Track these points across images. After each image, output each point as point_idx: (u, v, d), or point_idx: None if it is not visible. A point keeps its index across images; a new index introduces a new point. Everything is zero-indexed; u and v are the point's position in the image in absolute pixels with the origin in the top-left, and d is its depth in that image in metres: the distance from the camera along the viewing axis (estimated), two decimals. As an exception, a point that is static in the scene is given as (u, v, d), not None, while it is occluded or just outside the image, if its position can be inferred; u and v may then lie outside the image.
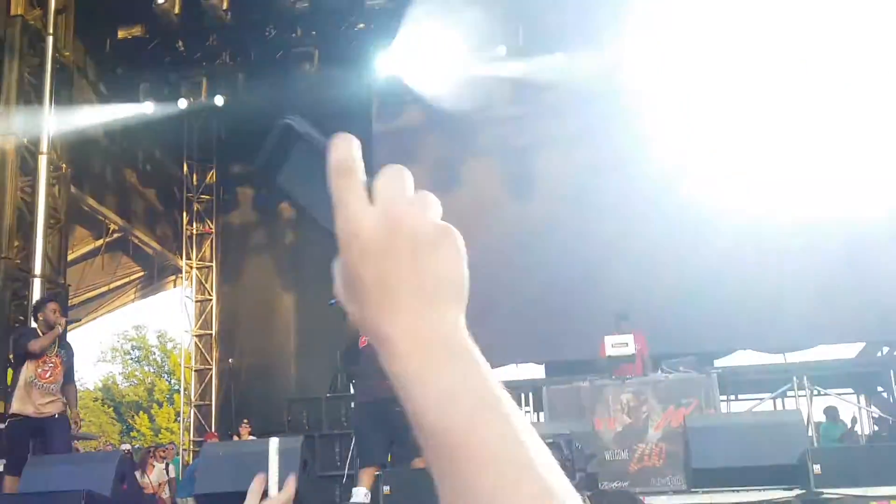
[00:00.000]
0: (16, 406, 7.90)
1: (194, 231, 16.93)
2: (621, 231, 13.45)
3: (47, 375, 7.97)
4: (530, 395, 11.77)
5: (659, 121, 13.60)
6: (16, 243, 11.56)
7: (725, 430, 6.52)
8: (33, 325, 8.53)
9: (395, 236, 0.64)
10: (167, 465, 14.19)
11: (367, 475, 6.50)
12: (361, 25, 13.66)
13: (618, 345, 10.23)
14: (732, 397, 13.49)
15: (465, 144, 14.84)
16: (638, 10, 13.25)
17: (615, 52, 13.47)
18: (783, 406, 12.81)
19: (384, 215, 0.64)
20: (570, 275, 13.79)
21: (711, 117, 13.47)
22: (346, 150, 0.65)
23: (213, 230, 16.92)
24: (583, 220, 13.99)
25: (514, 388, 11.84)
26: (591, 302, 12.87)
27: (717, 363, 13.50)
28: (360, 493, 6.40)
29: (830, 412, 12.72)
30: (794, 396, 12.59)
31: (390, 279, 0.64)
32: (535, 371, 14.40)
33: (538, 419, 11.02)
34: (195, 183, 16.94)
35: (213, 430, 15.75)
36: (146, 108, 14.13)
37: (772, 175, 13.26)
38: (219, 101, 14.24)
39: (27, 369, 7.91)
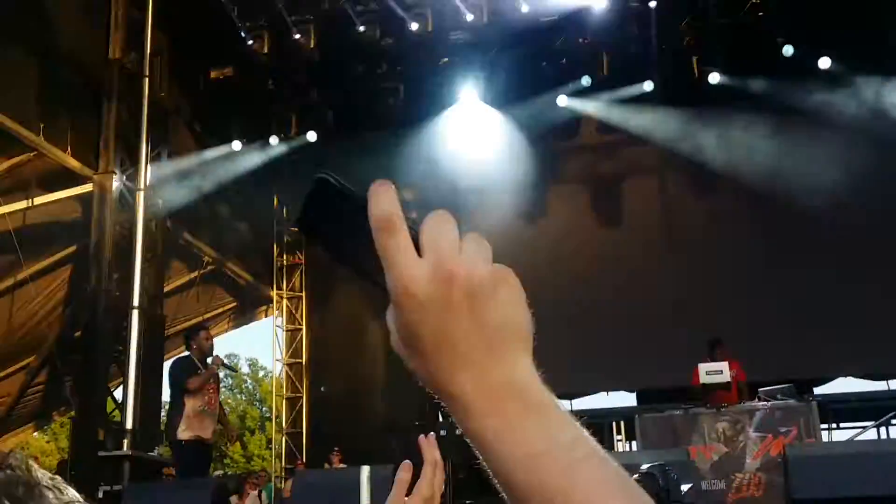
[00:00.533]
0: (189, 434, 8.15)
1: (285, 262, 17.21)
2: (713, 255, 13.23)
3: (213, 403, 8.38)
4: (622, 423, 11.57)
5: (750, 143, 13.36)
6: (115, 275, 11.94)
7: (827, 460, 6.31)
8: (185, 353, 8.83)
9: (450, 289, 0.61)
10: (260, 492, 14.38)
11: None
12: (445, 60, 13.78)
13: (712, 372, 10.02)
14: (833, 426, 13.05)
15: (552, 172, 14.79)
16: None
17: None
18: (887, 435, 12.34)
19: (436, 268, 0.62)
20: (663, 301, 13.60)
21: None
22: (386, 203, 0.62)
23: (304, 261, 17.18)
24: (673, 246, 13.82)
25: (606, 417, 11.68)
26: (685, 328, 12.66)
27: (817, 391, 13.11)
28: None
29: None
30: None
31: (452, 334, 0.62)
32: (626, 399, 14.19)
33: (630, 448, 10.84)
34: (286, 215, 17.24)
35: (303, 458, 15.91)
36: (237, 147, 14.51)
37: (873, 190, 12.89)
38: (311, 136, 14.52)
39: (195, 399, 8.20)
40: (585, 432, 0.62)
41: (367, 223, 0.62)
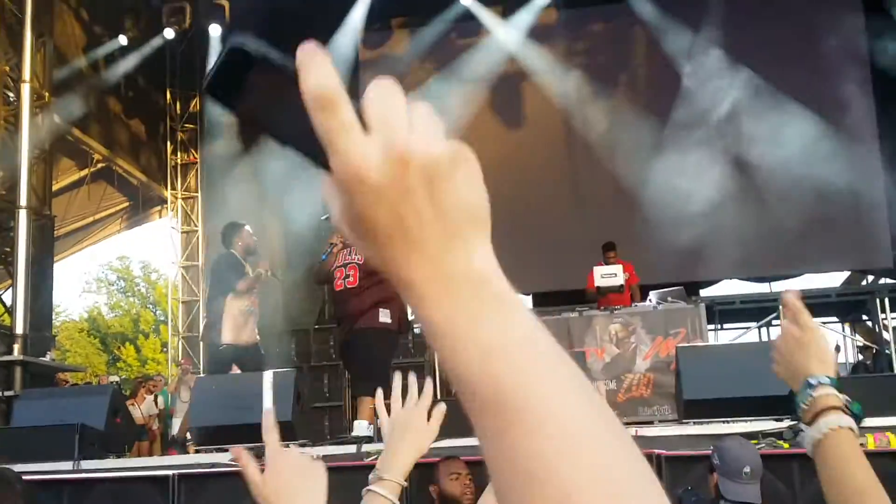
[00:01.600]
0: (231, 336, 7.89)
1: (179, 161, 16.74)
2: (609, 162, 13.40)
3: (257, 303, 8.22)
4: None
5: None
6: (0, 174, 11.41)
7: (717, 361, 6.56)
8: (227, 250, 8.28)
9: (405, 171, 0.56)
10: (156, 396, 14.25)
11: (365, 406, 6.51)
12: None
13: (607, 275, 10.30)
14: (719, 327, 13.63)
15: (453, 71, 14.63)
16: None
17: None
18: (769, 335, 12.94)
19: (387, 149, 0.56)
20: (559, 206, 13.80)
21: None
22: (322, 74, 0.55)
23: (198, 159, 16.74)
24: (571, 152, 13.96)
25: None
26: (580, 233, 12.90)
27: (704, 293, 13.62)
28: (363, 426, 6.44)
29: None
30: (780, 325, 12.69)
31: (406, 220, 0.56)
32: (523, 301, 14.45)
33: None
34: (178, 112, 16.70)
35: (200, 362, 15.80)
36: (125, 40, 13.89)
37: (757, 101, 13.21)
38: (214, 31, 13.96)
39: (241, 301, 7.92)
40: (544, 329, 0.58)
41: (298, 96, 0.54)
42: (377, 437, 6.10)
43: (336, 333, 6.98)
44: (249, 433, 6.01)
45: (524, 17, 14.14)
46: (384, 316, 6.49)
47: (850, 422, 1.35)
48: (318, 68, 0.55)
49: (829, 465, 1.33)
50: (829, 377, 1.40)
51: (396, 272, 0.58)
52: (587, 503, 0.52)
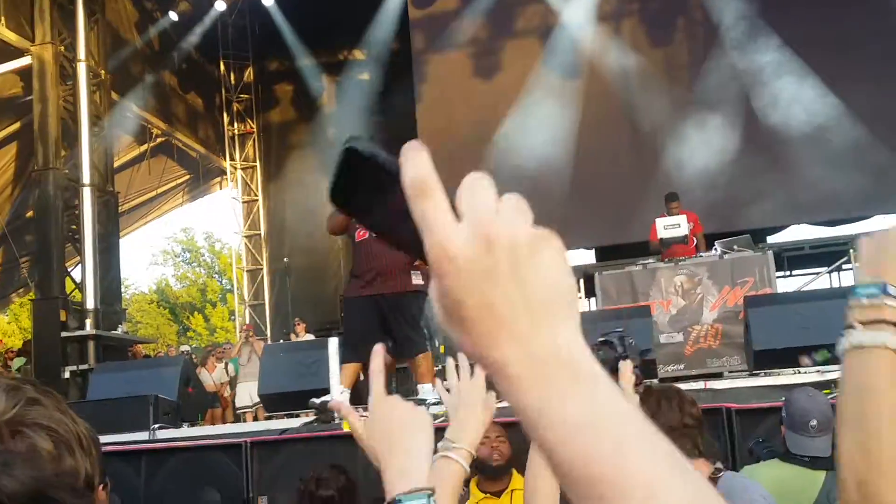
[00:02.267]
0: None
1: (236, 131, 16.88)
2: (669, 112, 13.18)
3: None
4: (582, 281, 11.74)
5: None
6: (63, 153, 11.61)
7: (787, 310, 6.42)
8: None
9: (491, 252, 0.58)
10: (226, 364, 14.51)
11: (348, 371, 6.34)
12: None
13: (670, 226, 10.12)
14: (788, 273, 13.35)
15: (505, 27, 14.45)
16: None
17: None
18: (840, 280, 12.65)
19: (474, 230, 0.58)
20: (620, 158, 13.61)
21: None
22: (420, 165, 0.59)
23: (255, 129, 16.86)
24: (632, 102, 13.71)
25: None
26: (642, 185, 12.71)
27: (771, 239, 13.35)
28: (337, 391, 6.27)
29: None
30: (852, 270, 12.42)
31: (493, 301, 0.58)
32: (586, 257, 14.35)
33: (590, 305, 11.02)
34: (233, 82, 16.80)
35: (267, 329, 16.03)
36: (175, 16, 13.98)
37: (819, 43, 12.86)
38: (267, 1, 13.96)
39: None
40: (635, 408, 0.59)
41: (401, 191, 0.59)
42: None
43: (353, 286, 6.50)
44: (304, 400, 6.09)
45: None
46: (416, 278, 6.34)
47: None
48: (417, 160, 0.59)
49: (860, 378, 1.24)
50: None
51: (486, 356, 0.59)
52: None
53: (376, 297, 6.32)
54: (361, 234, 6.40)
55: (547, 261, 0.59)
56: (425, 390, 6.23)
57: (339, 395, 6.18)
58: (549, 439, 0.57)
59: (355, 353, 6.28)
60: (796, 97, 12.75)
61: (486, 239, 0.58)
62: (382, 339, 6.29)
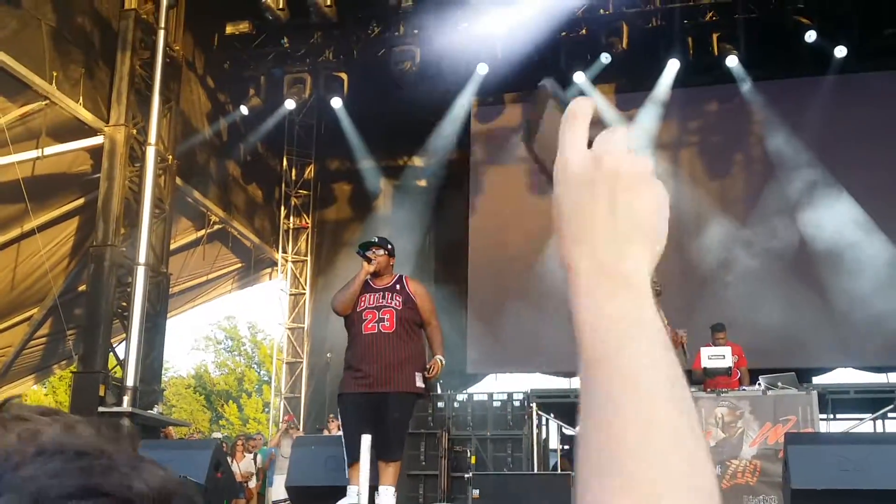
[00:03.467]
0: None
1: (291, 225, 17.19)
2: (722, 243, 13.20)
3: None
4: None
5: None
6: (122, 231, 11.90)
7: (829, 451, 6.28)
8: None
9: (598, 171, 0.66)
10: (255, 455, 14.43)
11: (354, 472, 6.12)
12: (465, 24, 13.59)
13: (714, 357, 10.02)
14: (831, 416, 13.05)
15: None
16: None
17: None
18: (883, 428, 12.33)
19: (595, 154, 0.67)
20: (669, 284, 13.56)
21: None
22: (584, 103, 0.70)
23: (310, 225, 17.15)
24: (685, 232, 13.76)
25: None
26: (688, 313, 12.64)
27: (816, 380, 13.10)
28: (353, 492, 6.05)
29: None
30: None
31: (585, 212, 0.66)
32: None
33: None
34: (294, 178, 17.20)
35: (301, 424, 15.96)
36: (247, 109, 14.43)
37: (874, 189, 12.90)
38: (336, 103, 14.39)
39: None
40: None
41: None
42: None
43: (352, 383, 6.24)
44: (331, 495, 6.02)
45: (639, 97, 14.17)
46: (419, 380, 6.22)
47: None
48: (586, 100, 0.70)
49: None
50: None
51: (564, 255, 0.67)
52: (642, 475, 0.57)
53: (376, 395, 6.16)
54: (371, 326, 6.25)
55: (644, 196, 0.67)
56: (385, 493, 6.07)
57: (356, 496, 6.05)
58: (579, 330, 0.63)
59: (357, 452, 6.06)
60: (851, 242, 12.72)
61: (598, 159, 0.67)
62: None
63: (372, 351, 6.22)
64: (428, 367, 6.29)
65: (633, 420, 0.58)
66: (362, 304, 6.39)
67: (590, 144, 0.68)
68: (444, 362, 6.38)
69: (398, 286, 6.44)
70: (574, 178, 0.67)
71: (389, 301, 6.34)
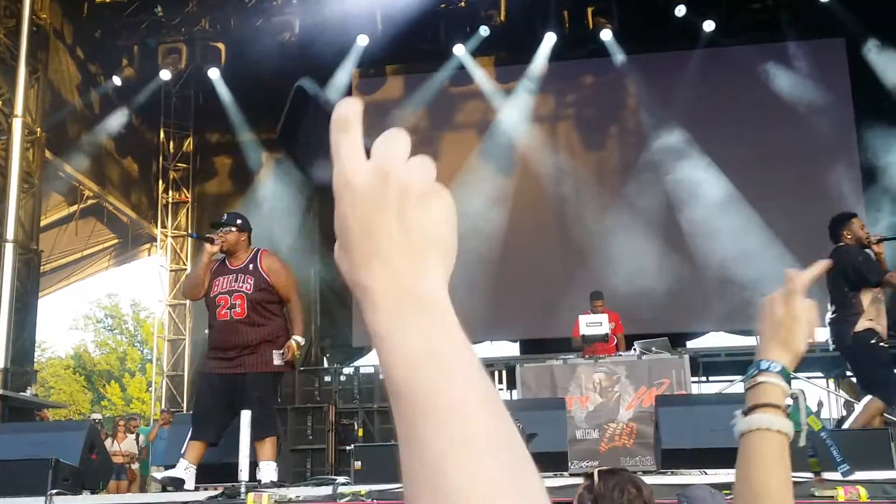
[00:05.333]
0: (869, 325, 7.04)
1: (170, 199, 16.78)
2: (598, 214, 13.51)
3: None
4: (504, 372, 11.79)
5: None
6: (-12, 207, 11.43)
7: (696, 411, 6.53)
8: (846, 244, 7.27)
9: (385, 188, 0.64)
10: (137, 435, 14.14)
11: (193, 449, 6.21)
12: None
13: (592, 324, 10.30)
14: (703, 379, 13.59)
15: (445, 118, 14.76)
16: None
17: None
18: (753, 389, 12.91)
19: (377, 167, 0.64)
20: (548, 254, 13.85)
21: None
22: (349, 106, 0.66)
23: (190, 199, 16.79)
24: (563, 203, 14.04)
25: (489, 366, 11.84)
26: (567, 282, 12.93)
27: (690, 345, 13.61)
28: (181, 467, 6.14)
29: (798, 396, 12.79)
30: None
31: (376, 231, 0.63)
32: (509, 349, 14.45)
33: (511, 396, 11.07)
34: (172, 151, 16.78)
35: (184, 401, 15.70)
36: (120, 80, 13.99)
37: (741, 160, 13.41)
38: (213, 74, 14.05)
39: (873, 293, 7.07)
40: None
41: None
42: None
43: (211, 364, 6.33)
44: (227, 472, 5.99)
45: (516, 70, 14.33)
46: (278, 358, 6.19)
47: (783, 424, 1.30)
48: (350, 103, 0.66)
49: (747, 462, 1.30)
50: (783, 366, 1.34)
51: (357, 279, 0.64)
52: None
53: (233, 377, 6.16)
54: (223, 313, 6.24)
55: (434, 209, 0.65)
56: (266, 468, 6.11)
57: (183, 470, 6.07)
58: (386, 363, 0.62)
59: (201, 431, 6.16)
60: (719, 210, 13.20)
61: (384, 174, 0.64)
62: (230, 419, 6.16)
63: (226, 337, 6.22)
64: (283, 350, 6.22)
65: (456, 456, 0.57)
66: (216, 288, 6.32)
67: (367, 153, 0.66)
68: (300, 342, 6.30)
69: (251, 266, 6.32)
70: (359, 194, 0.64)
71: (241, 285, 6.25)
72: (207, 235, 6.42)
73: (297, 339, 6.27)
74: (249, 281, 6.23)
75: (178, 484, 6.01)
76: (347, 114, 0.65)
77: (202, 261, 6.39)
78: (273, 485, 5.90)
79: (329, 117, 0.66)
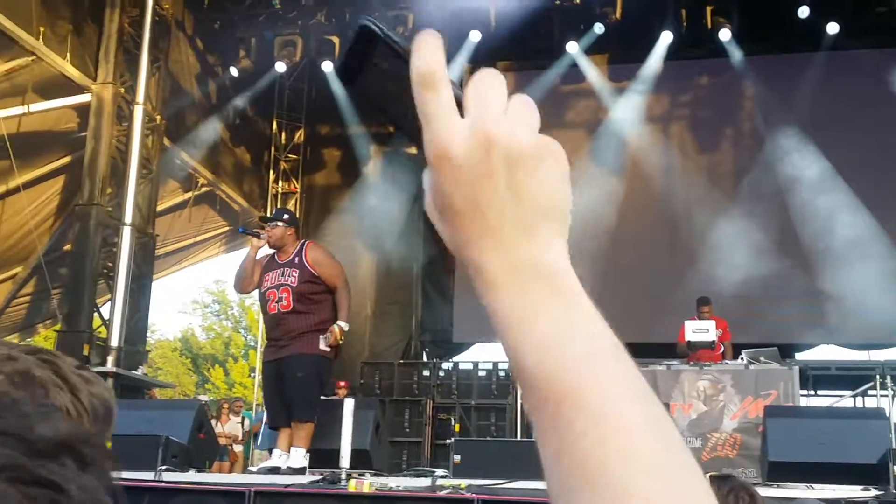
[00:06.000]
0: None
1: (279, 189, 17.12)
2: (710, 218, 13.22)
3: None
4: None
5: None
6: (108, 191, 11.84)
7: (806, 425, 6.33)
8: None
9: (489, 155, 0.57)
10: (242, 419, 14.46)
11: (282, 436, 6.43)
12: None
13: (699, 330, 10.08)
14: (812, 392, 13.16)
15: (556, 116, 14.64)
16: None
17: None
18: (864, 404, 12.44)
19: (476, 131, 0.57)
20: (656, 257, 13.62)
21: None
22: (430, 57, 0.58)
23: (299, 189, 17.09)
24: (673, 205, 13.78)
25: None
26: (674, 286, 12.69)
27: (799, 356, 13.20)
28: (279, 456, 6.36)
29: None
30: (876, 395, 12.24)
31: (484, 204, 0.57)
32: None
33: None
34: (283, 142, 17.11)
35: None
36: (237, 71, 14.30)
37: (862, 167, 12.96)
38: (327, 67, 14.25)
39: None
40: (608, 329, 0.58)
41: (408, 76, 0.58)
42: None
43: (266, 353, 6.66)
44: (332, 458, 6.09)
45: (630, 69, 14.12)
46: (322, 343, 6.30)
47: None
48: (430, 51, 0.58)
49: None
50: None
51: (469, 257, 0.58)
52: (643, 499, 0.51)
53: (280, 361, 6.38)
54: (272, 307, 6.39)
55: (545, 173, 0.59)
56: (295, 454, 6.20)
57: (277, 458, 6.24)
58: (518, 349, 0.56)
59: (273, 420, 6.48)
60: (836, 219, 12.78)
61: (486, 141, 0.57)
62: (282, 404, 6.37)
63: (276, 328, 6.44)
64: (326, 335, 6.30)
65: (617, 449, 0.52)
66: (266, 282, 6.51)
67: (458, 105, 0.58)
68: (344, 327, 6.43)
69: (297, 259, 6.46)
70: (461, 166, 0.57)
71: (287, 279, 6.39)
72: (254, 230, 6.62)
73: (341, 324, 6.41)
74: (294, 274, 6.38)
75: (274, 472, 6.17)
76: (433, 67, 0.57)
77: (248, 255, 6.59)
78: (295, 471, 6.03)
79: (398, 56, 0.59)
